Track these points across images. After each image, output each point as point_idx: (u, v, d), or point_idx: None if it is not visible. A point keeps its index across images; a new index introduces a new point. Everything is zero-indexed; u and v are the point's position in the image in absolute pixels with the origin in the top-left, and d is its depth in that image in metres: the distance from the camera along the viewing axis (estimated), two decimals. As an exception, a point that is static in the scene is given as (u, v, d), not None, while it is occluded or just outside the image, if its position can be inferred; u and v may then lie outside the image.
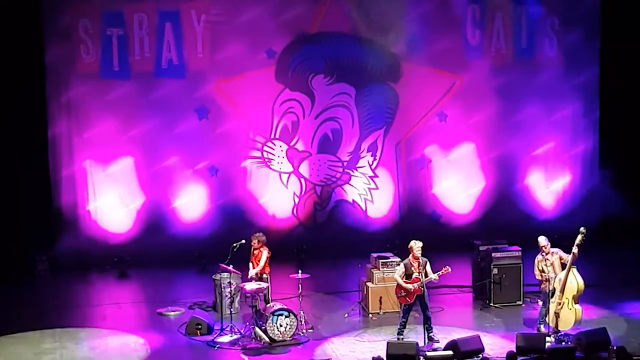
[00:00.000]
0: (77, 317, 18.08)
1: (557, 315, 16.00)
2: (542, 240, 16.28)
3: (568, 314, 15.95)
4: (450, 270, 15.90)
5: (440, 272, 15.89)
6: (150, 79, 21.46)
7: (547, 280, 16.14)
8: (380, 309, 17.73)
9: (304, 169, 22.36)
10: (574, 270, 15.99)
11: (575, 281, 15.95)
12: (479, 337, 15.41)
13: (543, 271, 16.21)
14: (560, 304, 15.96)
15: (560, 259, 16.13)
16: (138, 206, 21.71)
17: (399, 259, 17.31)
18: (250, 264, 16.91)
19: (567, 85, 22.86)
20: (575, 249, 15.83)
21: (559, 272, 16.07)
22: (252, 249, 16.92)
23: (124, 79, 21.37)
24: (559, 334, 15.93)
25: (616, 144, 22.78)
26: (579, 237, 15.94)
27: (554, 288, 16.04)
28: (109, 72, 21.30)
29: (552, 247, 16.29)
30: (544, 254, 16.22)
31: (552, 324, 16.06)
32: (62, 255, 21.15)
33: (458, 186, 22.86)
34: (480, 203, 22.86)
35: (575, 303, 15.97)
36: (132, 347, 16.29)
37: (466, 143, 22.75)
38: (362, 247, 20.05)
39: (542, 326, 16.32)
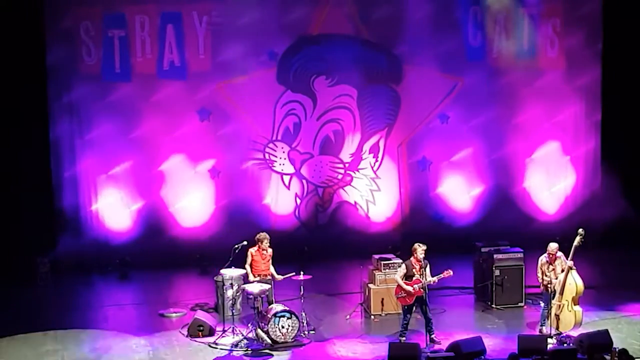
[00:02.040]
0: (79, 318, 18.08)
1: (557, 317, 16.07)
2: (553, 247, 16.28)
3: (568, 315, 16.00)
4: (451, 273, 15.92)
5: (441, 275, 15.89)
6: (151, 81, 21.46)
7: (549, 282, 16.17)
8: (382, 310, 17.74)
9: (305, 170, 22.36)
10: (573, 272, 16.03)
11: (574, 283, 15.99)
12: (480, 338, 15.42)
13: (545, 274, 16.25)
14: (560, 305, 16.00)
15: (561, 264, 16.19)
16: (140, 208, 21.71)
17: (400, 261, 17.31)
18: (253, 265, 16.89)
19: (569, 87, 22.84)
20: (570, 263, 15.90)
21: (560, 275, 16.10)
22: (258, 249, 16.89)
23: (126, 81, 21.37)
24: (561, 335, 15.94)
25: (618, 145, 22.75)
26: (578, 238, 15.99)
27: (555, 290, 16.08)
28: (111, 74, 21.30)
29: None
30: (549, 259, 16.24)
31: (552, 326, 16.09)
32: (64, 257, 21.13)
33: (460, 188, 22.84)
34: (482, 204, 22.85)
35: (575, 305, 16.00)
36: (134, 348, 16.30)
37: (468, 145, 22.74)
38: (363, 248, 20.03)
39: (543, 327, 16.34)
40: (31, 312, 18.46)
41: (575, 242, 16.00)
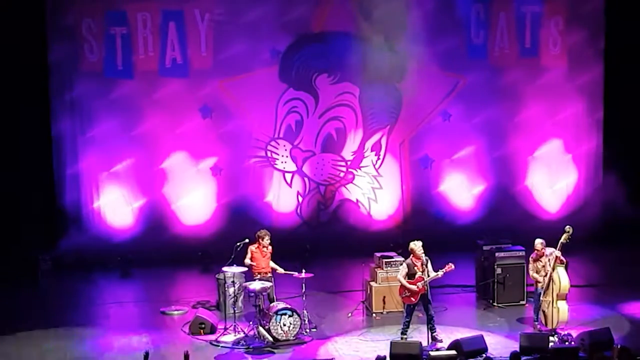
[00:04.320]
0: (81, 316, 18.10)
1: (544, 313, 16.18)
2: (537, 243, 16.46)
3: (553, 312, 16.09)
4: (453, 267, 15.93)
5: (443, 270, 15.90)
6: (154, 78, 21.46)
7: (538, 280, 16.33)
8: (383, 308, 17.75)
9: (307, 168, 22.36)
10: (560, 269, 16.12)
11: (559, 280, 16.08)
12: (482, 336, 15.45)
13: (537, 271, 16.35)
14: (547, 302, 16.12)
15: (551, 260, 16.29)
16: (142, 205, 21.71)
17: (402, 259, 17.30)
18: (255, 261, 16.90)
19: (571, 85, 22.83)
20: (559, 253, 15.98)
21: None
22: (258, 245, 16.90)
23: (128, 78, 21.36)
24: (564, 334, 15.96)
25: (620, 144, 22.74)
26: (564, 235, 16.09)
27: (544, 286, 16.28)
28: (113, 71, 21.30)
29: (552, 246, 16.42)
30: (535, 256, 16.40)
31: (542, 322, 16.30)
32: (66, 254, 21.13)
33: (462, 186, 22.84)
34: (483, 203, 22.84)
35: (559, 301, 16.09)
36: (136, 346, 16.30)
37: (470, 143, 22.74)
38: (365, 246, 20.02)
39: (536, 324, 16.46)
40: (33, 309, 18.45)
41: (562, 239, 16.11)
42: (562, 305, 16.15)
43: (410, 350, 14.89)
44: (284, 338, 16.10)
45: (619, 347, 13.89)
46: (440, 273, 15.95)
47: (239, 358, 15.70)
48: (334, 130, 22.35)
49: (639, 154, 22.68)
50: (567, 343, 15.61)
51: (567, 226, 16.24)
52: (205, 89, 21.68)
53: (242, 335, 16.34)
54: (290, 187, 22.36)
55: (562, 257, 16.12)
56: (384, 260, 17.94)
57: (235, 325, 16.57)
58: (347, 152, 22.46)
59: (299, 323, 16.23)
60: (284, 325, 16.10)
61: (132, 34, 21.31)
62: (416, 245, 16.06)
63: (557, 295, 16.10)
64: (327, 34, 22.02)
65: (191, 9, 21.49)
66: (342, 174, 22.51)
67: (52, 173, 21.26)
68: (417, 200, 22.77)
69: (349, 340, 16.44)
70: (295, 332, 16.21)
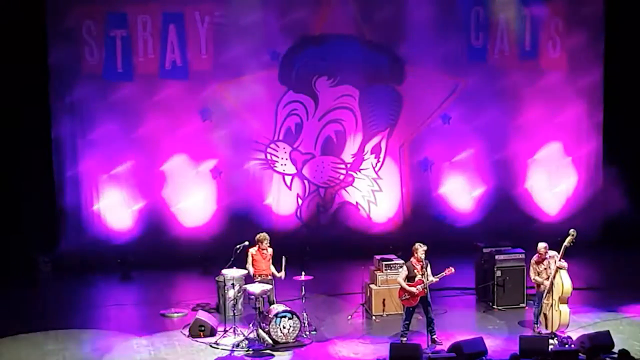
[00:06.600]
0: (80, 318, 18.08)
1: (545, 316, 16.22)
2: (541, 247, 16.50)
3: (555, 314, 16.11)
4: (453, 270, 15.93)
5: (443, 273, 15.90)
6: (154, 81, 21.46)
7: (541, 282, 16.33)
8: (383, 311, 17.75)
9: (307, 170, 22.36)
10: (562, 272, 16.16)
11: (561, 283, 16.12)
12: (482, 339, 15.43)
13: (538, 274, 16.36)
14: (548, 305, 16.12)
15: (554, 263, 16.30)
16: (141, 207, 21.71)
17: (402, 261, 17.30)
18: (254, 265, 16.90)
19: (571, 87, 22.83)
20: (562, 263, 16.01)
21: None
22: (258, 249, 16.90)
23: (128, 81, 21.36)
24: (564, 337, 15.96)
25: (620, 146, 22.75)
26: (568, 238, 16.12)
27: (545, 289, 16.27)
28: (113, 74, 21.30)
29: (553, 249, 16.43)
30: (537, 259, 16.41)
31: (542, 325, 16.34)
32: (66, 256, 21.14)
33: (461, 188, 22.84)
34: (483, 205, 22.84)
35: (561, 304, 16.11)
36: (135, 348, 16.30)
37: (470, 145, 22.73)
38: (365, 249, 20.00)
39: (536, 326, 16.46)
40: (33, 311, 18.45)
41: (566, 242, 16.17)
42: (564, 309, 16.17)
43: (410, 352, 14.89)
44: (284, 340, 16.09)
45: (618, 350, 13.92)
46: (437, 278, 15.94)
47: (239, 361, 15.75)
48: (334, 132, 22.35)
49: (638, 157, 22.68)
50: (566, 346, 15.61)
51: (572, 229, 16.25)
52: (205, 92, 21.68)
53: (241, 337, 16.34)
54: (290, 189, 22.36)
55: (563, 267, 16.15)
56: (384, 262, 17.94)
57: (235, 328, 16.58)
58: (347, 155, 22.46)
59: (298, 325, 16.23)
60: (284, 327, 16.10)
61: (132, 36, 21.32)
62: (420, 247, 16.05)
63: (559, 298, 16.13)
64: (327, 36, 22.03)
65: (191, 11, 21.49)
66: (341, 177, 22.52)
67: (52, 175, 21.26)
68: (417, 203, 22.76)
69: (349, 342, 16.44)
70: (295, 335, 16.20)
